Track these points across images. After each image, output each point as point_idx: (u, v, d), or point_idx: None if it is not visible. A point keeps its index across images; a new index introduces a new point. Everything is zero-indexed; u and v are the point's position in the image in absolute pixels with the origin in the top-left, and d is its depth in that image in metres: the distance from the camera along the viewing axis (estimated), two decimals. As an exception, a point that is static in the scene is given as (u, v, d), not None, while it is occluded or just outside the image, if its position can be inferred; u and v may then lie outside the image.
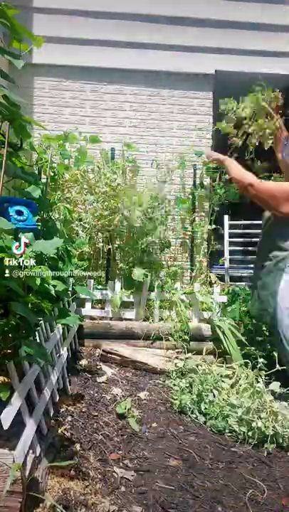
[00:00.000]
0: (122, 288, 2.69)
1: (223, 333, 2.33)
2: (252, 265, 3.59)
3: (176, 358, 2.27)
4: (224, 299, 2.67)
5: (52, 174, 2.64)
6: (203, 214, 3.48)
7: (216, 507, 1.23)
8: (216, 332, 2.37)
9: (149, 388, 2.03)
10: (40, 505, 1.10)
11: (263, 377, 1.94)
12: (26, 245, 1.34)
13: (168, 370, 2.19)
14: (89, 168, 3.10)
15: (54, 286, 1.47)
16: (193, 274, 3.34)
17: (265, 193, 1.79)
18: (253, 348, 2.36)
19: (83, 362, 2.20)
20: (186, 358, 2.18)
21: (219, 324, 2.38)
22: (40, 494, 1.12)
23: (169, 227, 3.21)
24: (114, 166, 3.10)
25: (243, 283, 3.28)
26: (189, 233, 3.41)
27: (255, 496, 1.31)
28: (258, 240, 3.61)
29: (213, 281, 3.07)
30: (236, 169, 1.93)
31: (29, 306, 1.38)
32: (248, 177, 1.86)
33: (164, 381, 2.12)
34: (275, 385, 1.86)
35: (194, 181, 3.43)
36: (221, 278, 3.36)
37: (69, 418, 1.57)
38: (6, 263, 1.24)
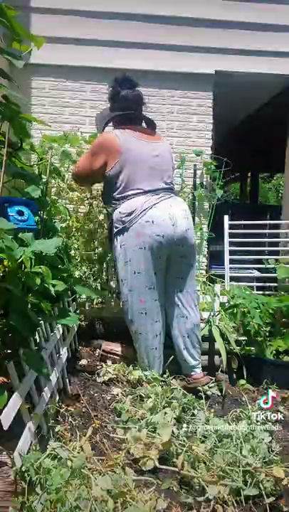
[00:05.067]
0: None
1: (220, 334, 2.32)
2: (252, 265, 3.61)
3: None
4: (224, 299, 2.66)
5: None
6: (202, 214, 3.49)
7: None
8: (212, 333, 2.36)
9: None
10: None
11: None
12: (26, 245, 1.34)
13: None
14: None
15: (54, 285, 1.47)
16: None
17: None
18: (252, 348, 2.37)
19: (83, 362, 2.20)
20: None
21: (215, 325, 2.37)
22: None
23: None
24: None
25: (243, 283, 3.28)
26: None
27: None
28: (258, 240, 3.62)
29: (214, 281, 3.07)
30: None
31: (29, 306, 1.38)
32: None
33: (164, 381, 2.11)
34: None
35: (194, 181, 3.43)
36: (221, 278, 3.35)
37: (69, 418, 1.57)
38: (6, 263, 1.24)
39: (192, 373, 2.05)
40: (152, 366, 2.00)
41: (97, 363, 2.23)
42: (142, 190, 1.96)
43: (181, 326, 2.05)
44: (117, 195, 2.00)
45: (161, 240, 1.89)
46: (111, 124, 2.19)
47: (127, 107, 2.09)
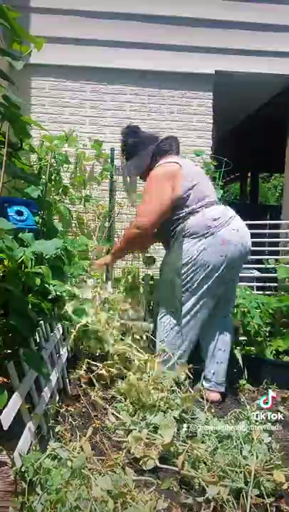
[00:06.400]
0: (123, 287, 2.69)
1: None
2: (252, 265, 3.61)
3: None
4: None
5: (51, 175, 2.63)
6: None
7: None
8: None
9: (149, 388, 2.03)
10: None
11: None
12: (26, 246, 1.35)
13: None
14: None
15: (54, 286, 1.48)
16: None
17: (129, 235, 2.07)
18: (252, 348, 2.37)
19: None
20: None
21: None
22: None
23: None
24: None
25: (243, 283, 3.28)
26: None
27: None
28: (258, 240, 3.63)
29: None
30: (112, 255, 2.28)
31: (29, 306, 1.39)
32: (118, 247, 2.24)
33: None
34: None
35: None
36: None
37: (69, 418, 1.57)
38: (6, 263, 1.24)
39: (218, 390, 2.00)
40: (171, 367, 1.95)
41: (97, 363, 2.22)
42: (213, 200, 1.98)
43: (222, 339, 2.01)
44: (186, 208, 1.94)
45: (241, 250, 1.90)
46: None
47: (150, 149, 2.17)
